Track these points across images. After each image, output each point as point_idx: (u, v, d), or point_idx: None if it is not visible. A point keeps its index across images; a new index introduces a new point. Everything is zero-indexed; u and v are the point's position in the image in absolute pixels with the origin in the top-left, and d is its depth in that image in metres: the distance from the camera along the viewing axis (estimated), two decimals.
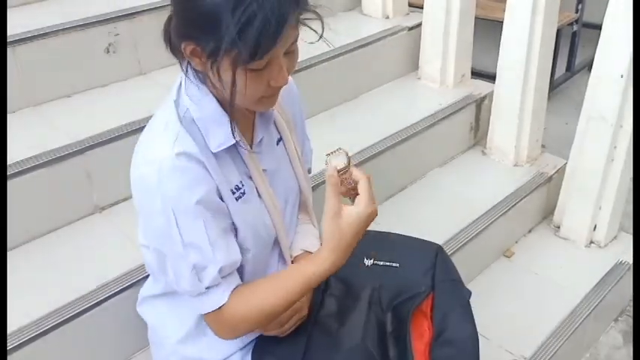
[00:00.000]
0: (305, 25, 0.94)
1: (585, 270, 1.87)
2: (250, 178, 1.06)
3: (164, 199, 0.94)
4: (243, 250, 1.04)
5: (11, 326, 1.24)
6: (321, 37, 0.95)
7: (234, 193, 1.02)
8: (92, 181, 1.57)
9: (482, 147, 2.19)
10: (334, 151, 0.98)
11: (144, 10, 1.87)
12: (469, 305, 1.25)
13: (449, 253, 1.71)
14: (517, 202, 1.94)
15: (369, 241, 1.31)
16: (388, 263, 1.25)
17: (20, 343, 1.22)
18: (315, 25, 0.95)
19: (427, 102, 2.14)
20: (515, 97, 1.99)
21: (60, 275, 1.40)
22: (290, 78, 1.21)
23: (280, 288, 1.02)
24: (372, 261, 1.26)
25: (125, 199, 1.63)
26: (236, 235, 1.03)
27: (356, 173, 0.98)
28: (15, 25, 1.71)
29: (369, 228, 1.00)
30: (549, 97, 3.21)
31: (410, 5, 2.41)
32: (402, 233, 1.38)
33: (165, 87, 1.84)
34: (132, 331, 1.35)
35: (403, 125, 1.98)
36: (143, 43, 1.90)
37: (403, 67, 2.30)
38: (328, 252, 0.97)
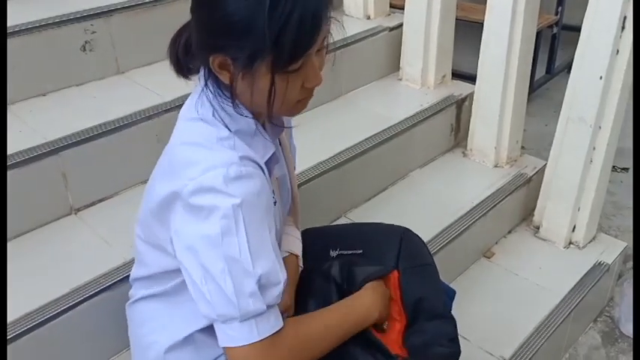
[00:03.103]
0: (335, 20, 0.92)
1: (564, 271, 1.88)
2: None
3: (235, 205, 0.87)
4: None
5: None
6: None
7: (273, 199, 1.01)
8: (67, 182, 1.54)
9: (462, 148, 2.20)
10: None
11: (122, 8, 1.84)
12: (442, 289, 1.25)
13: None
14: (497, 203, 1.94)
15: (333, 234, 1.33)
16: (352, 251, 1.25)
17: None
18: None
19: (408, 103, 2.13)
20: (496, 99, 2.00)
21: (33, 278, 1.36)
22: None
23: (329, 321, 1.04)
24: (337, 251, 1.25)
25: (101, 201, 1.60)
26: None
27: None
28: None
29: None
30: (529, 99, 3.24)
31: (391, 6, 2.41)
32: None
33: (143, 86, 1.86)
34: (107, 334, 1.32)
35: (384, 126, 1.97)
36: (121, 41, 1.87)
37: (384, 67, 2.30)
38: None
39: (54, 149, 1.50)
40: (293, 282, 1.18)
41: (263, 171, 0.96)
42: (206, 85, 0.96)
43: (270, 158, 1.01)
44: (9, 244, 1.44)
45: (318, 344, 1.00)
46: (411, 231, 1.29)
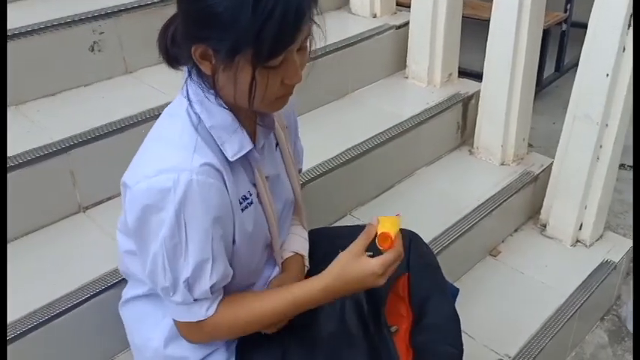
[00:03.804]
0: (314, 22, 0.94)
1: (571, 269, 1.88)
2: (254, 185, 1.06)
3: (179, 208, 0.91)
4: (232, 256, 1.04)
5: None
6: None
7: (240, 203, 1.02)
8: (76, 181, 1.56)
9: (469, 146, 2.20)
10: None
11: (129, 9, 1.86)
12: (448, 290, 1.27)
13: (435, 252, 1.73)
14: (503, 201, 1.94)
15: (340, 236, 1.33)
16: None
17: None
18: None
19: (414, 101, 2.14)
20: (502, 96, 1.99)
21: (41, 276, 1.38)
22: None
23: (267, 306, 1.03)
24: None
25: (109, 199, 1.62)
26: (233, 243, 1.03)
27: (397, 242, 1.01)
28: None
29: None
30: (537, 97, 3.21)
31: (398, 4, 2.41)
32: None
33: (150, 86, 1.87)
34: (113, 332, 1.33)
35: (390, 124, 1.98)
36: (129, 41, 1.89)
37: (391, 66, 2.30)
38: (325, 284, 1.02)
39: (62, 148, 1.52)
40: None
41: (222, 175, 0.96)
42: (190, 76, 0.97)
43: (248, 155, 1.01)
44: (18, 242, 1.47)
45: (252, 327, 1.06)
46: (417, 234, 1.31)
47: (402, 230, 1.32)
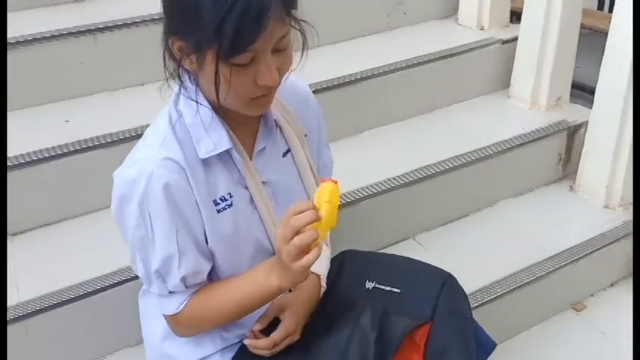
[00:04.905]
0: (297, 22, 0.91)
1: None
2: (246, 188, 1.03)
3: (142, 200, 0.95)
4: (211, 256, 1.03)
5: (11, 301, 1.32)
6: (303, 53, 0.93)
7: (217, 204, 1.00)
8: None
9: (571, 182, 1.94)
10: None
11: None
12: (472, 345, 1.12)
13: (499, 294, 1.56)
14: (596, 250, 1.69)
15: (374, 264, 1.24)
16: (389, 288, 1.15)
17: (17, 317, 1.31)
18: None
19: (510, 124, 1.94)
20: (612, 130, 1.73)
21: (86, 254, 1.48)
22: (308, 89, 1.18)
23: (238, 295, 1.02)
24: (373, 284, 1.17)
25: None
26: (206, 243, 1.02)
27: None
28: (99, 13, 1.85)
29: None
30: None
31: (515, 13, 2.20)
32: (451, 262, 1.27)
33: None
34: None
35: (475, 146, 1.81)
36: None
37: (493, 83, 2.11)
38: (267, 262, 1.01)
39: (134, 136, 1.60)
40: (308, 304, 1.13)
41: (186, 172, 0.96)
42: (173, 72, 0.97)
43: (227, 156, 1.00)
44: (71, 221, 1.58)
45: (223, 317, 1.05)
46: (454, 278, 1.18)
47: (439, 270, 1.19)
